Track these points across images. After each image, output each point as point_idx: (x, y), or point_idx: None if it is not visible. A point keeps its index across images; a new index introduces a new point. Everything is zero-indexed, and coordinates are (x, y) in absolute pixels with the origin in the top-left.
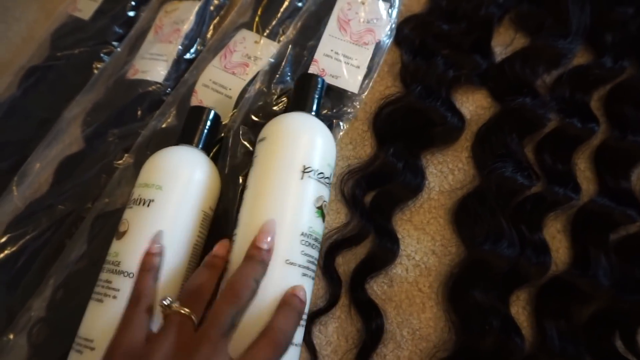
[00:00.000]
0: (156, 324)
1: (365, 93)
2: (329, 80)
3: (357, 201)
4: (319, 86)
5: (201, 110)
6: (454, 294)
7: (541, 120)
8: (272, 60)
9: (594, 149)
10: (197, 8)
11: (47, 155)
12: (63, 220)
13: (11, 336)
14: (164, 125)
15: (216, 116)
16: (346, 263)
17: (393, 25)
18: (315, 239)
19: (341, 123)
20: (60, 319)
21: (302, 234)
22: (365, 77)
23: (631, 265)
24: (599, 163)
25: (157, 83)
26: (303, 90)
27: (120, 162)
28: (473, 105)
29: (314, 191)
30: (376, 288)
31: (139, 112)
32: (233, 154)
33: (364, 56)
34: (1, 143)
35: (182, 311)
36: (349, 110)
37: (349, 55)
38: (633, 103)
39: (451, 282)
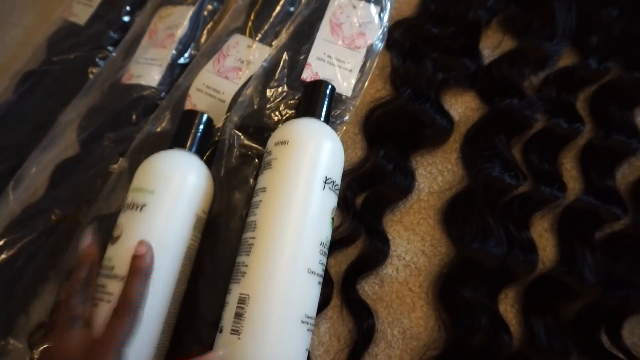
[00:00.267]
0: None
1: (358, 97)
2: None
3: (348, 203)
4: (330, 93)
5: (194, 114)
6: (444, 292)
7: (528, 121)
8: (265, 64)
9: (580, 148)
10: (190, 13)
11: (42, 160)
12: (59, 224)
13: (10, 340)
14: (158, 129)
15: (209, 120)
16: (337, 264)
17: (384, 29)
18: (328, 248)
19: (334, 126)
20: None
21: (321, 244)
22: (358, 80)
23: (616, 262)
24: (584, 162)
25: (151, 87)
26: (318, 97)
27: (115, 166)
28: (462, 107)
29: (331, 202)
30: (367, 288)
31: (134, 117)
32: (228, 158)
33: (356, 60)
34: None
35: None
36: (341, 113)
37: (341, 59)
38: (617, 103)
39: (441, 281)
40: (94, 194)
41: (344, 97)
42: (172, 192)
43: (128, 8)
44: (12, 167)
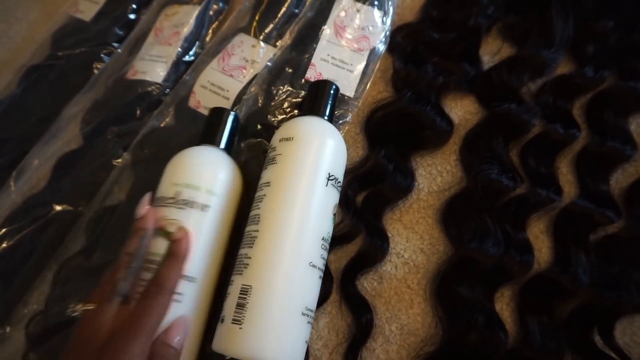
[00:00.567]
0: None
1: (361, 98)
2: None
3: (349, 200)
4: (334, 93)
5: (225, 114)
6: (441, 290)
7: (526, 126)
8: (269, 64)
9: (576, 153)
10: (196, 12)
11: (45, 152)
12: (60, 215)
13: (8, 329)
14: (162, 125)
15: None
16: (337, 260)
17: (387, 33)
18: (329, 243)
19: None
20: (59, 314)
21: (323, 239)
22: (360, 81)
23: (609, 264)
24: (580, 167)
25: (156, 83)
26: (322, 96)
27: (118, 160)
28: (461, 110)
29: (333, 198)
30: (366, 284)
31: (138, 112)
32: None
33: (359, 61)
34: (0, 139)
35: None
36: (344, 113)
37: (345, 60)
38: (612, 111)
39: (438, 279)
40: (96, 186)
41: (346, 97)
42: (231, 198)
43: (134, 6)
44: (14, 160)
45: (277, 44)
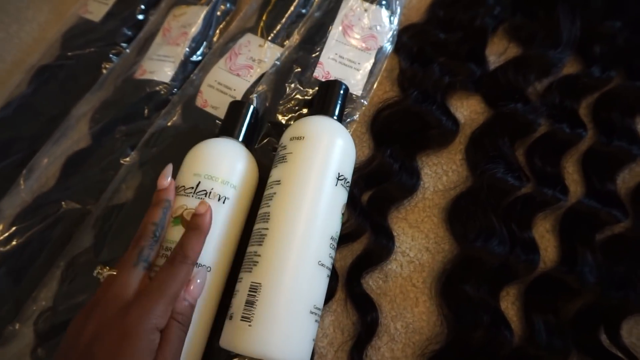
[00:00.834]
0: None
1: (368, 96)
2: None
3: (354, 199)
4: (344, 93)
5: (245, 107)
6: (446, 289)
7: (532, 125)
8: (277, 62)
9: (582, 153)
10: (204, 13)
11: (55, 151)
12: (69, 213)
13: (17, 326)
14: (169, 124)
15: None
16: (343, 258)
17: (394, 32)
18: (337, 242)
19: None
20: (66, 310)
21: (331, 238)
22: (367, 81)
23: (616, 264)
24: (586, 166)
25: (164, 83)
26: (332, 96)
27: (126, 159)
28: (467, 110)
29: (342, 198)
30: (372, 283)
31: (146, 111)
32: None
33: (367, 60)
34: (11, 138)
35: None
36: (351, 112)
37: (352, 59)
38: (619, 110)
39: (444, 278)
40: (105, 185)
41: (354, 96)
42: (250, 191)
43: (142, 6)
44: (24, 158)
45: (285, 43)
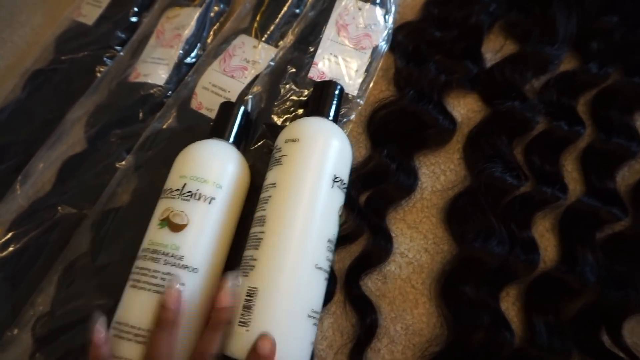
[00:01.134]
0: None
1: (364, 96)
2: None
3: (352, 200)
4: (339, 93)
5: (235, 108)
6: (446, 290)
7: (529, 123)
8: (272, 63)
9: (581, 150)
10: (197, 14)
11: (50, 156)
12: (65, 218)
13: (15, 331)
14: (164, 127)
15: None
16: (341, 260)
17: (390, 31)
18: (335, 245)
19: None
20: (64, 315)
21: (329, 241)
22: (363, 80)
23: (616, 263)
24: (585, 164)
25: (158, 86)
26: (327, 96)
27: (121, 163)
28: (464, 108)
29: (339, 200)
30: (370, 284)
31: (141, 114)
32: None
33: (362, 60)
34: (6, 143)
35: None
36: (347, 112)
37: (347, 59)
38: (617, 107)
39: (443, 279)
40: (100, 189)
41: (350, 96)
42: (237, 191)
43: (136, 9)
44: (20, 163)
45: (279, 44)
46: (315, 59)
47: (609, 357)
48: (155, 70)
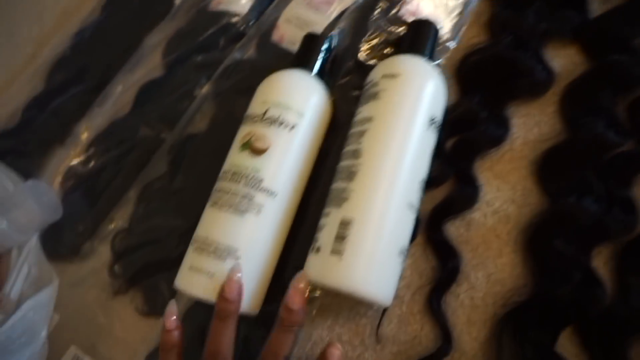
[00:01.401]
0: None
1: (455, 40)
2: None
3: (439, 145)
4: (435, 34)
5: (321, 40)
6: (535, 242)
7: (636, 79)
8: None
9: None
10: None
11: (129, 79)
12: (143, 140)
13: (95, 242)
14: (244, 57)
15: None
16: (422, 204)
17: None
18: (424, 186)
19: None
20: (142, 232)
21: (421, 181)
22: (456, 23)
23: None
24: None
25: (239, 15)
26: (425, 36)
27: (200, 90)
28: (563, 59)
29: (433, 141)
30: (453, 230)
31: (221, 43)
32: None
33: (457, 1)
34: (85, 64)
35: None
36: (437, 56)
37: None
38: None
39: (531, 231)
40: (179, 114)
41: (442, 38)
42: (317, 121)
43: None
44: (98, 85)
45: None
46: None
47: None
48: None
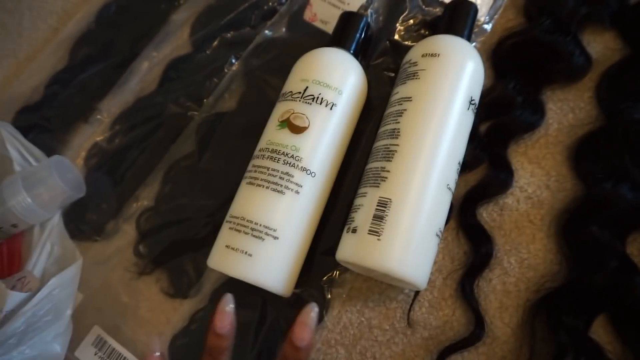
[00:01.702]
0: None
1: (491, 23)
2: None
3: (473, 128)
4: (474, 14)
5: (358, 19)
6: (569, 228)
7: None
8: None
9: None
10: None
11: (155, 56)
12: (170, 117)
13: (120, 221)
14: (275, 35)
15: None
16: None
17: None
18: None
19: None
20: (168, 211)
21: (459, 163)
22: (492, 6)
23: None
24: None
25: None
26: (463, 16)
27: (229, 67)
28: (600, 45)
29: (471, 123)
30: (485, 215)
31: (252, 20)
32: None
33: None
34: (111, 40)
35: None
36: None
37: None
38: None
39: (566, 217)
40: (207, 92)
41: (479, 20)
42: (355, 100)
43: None
44: (124, 61)
45: None
46: None
47: None
48: None
